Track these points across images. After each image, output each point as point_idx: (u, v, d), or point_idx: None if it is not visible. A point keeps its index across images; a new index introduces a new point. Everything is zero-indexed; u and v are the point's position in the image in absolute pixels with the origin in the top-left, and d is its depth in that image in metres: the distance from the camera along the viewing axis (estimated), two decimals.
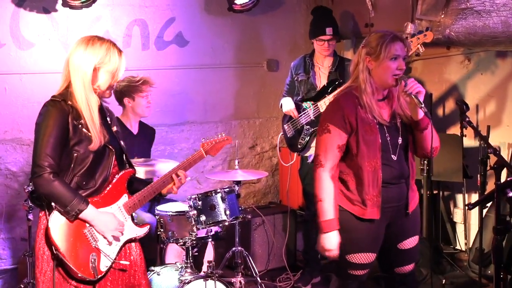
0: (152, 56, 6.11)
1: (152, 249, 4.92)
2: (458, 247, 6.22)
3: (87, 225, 3.27)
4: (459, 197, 6.17)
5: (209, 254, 5.17)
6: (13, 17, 5.35)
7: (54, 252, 3.19)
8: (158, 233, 4.58)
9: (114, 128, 3.50)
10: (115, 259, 3.35)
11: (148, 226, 3.58)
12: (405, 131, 3.58)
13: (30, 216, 4.49)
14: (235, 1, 5.90)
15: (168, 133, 6.29)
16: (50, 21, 5.53)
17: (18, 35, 5.41)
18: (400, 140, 3.53)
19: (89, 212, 3.23)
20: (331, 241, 3.49)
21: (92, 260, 3.24)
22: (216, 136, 3.94)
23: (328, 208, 3.47)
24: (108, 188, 3.37)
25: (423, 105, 3.37)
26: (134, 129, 5.24)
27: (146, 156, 5.28)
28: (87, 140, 3.23)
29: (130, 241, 3.48)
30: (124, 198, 3.44)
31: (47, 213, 3.24)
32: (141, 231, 3.52)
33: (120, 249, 3.40)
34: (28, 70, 5.48)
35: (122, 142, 3.50)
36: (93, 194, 3.30)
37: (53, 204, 3.20)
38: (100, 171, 3.32)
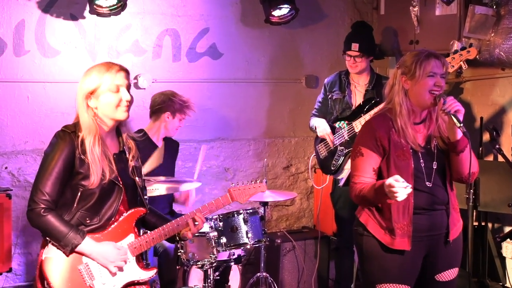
0: (183, 68, 6.15)
1: (171, 271, 4.96)
2: (507, 284, 6.08)
3: (84, 261, 3.27)
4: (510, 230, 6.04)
5: (235, 278, 5.19)
6: (39, 23, 5.44)
7: (45, 286, 3.23)
8: (179, 254, 4.61)
9: (133, 163, 3.48)
10: None
11: (155, 270, 3.51)
12: (441, 155, 3.56)
13: None
14: (273, 13, 5.96)
15: (197, 149, 6.24)
16: (77, 28, 5.61)
17: (44, 42, 5.50)
18: (435, 165, 3.52)
19: (86, 246, 3.23)
20: None
21: None
22: (248, 182, 3.84)
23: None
24: (113, 226, 3.36)
25: (461, 125, 3.34)
26: (159, 144, 5.30)
27: (169, 170, 5.36)
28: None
29: (132, 284, 3.42)
30: (130, 237, 3.41)
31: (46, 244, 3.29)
32: (146, 275, 3.45)
33: None
34: (52, 79, 5.56)
35: (138, 179, 3.49)
36: (95, 231, 3.30)
37: (47, 238, 3.25)
38: (106, 208, 3.32)
